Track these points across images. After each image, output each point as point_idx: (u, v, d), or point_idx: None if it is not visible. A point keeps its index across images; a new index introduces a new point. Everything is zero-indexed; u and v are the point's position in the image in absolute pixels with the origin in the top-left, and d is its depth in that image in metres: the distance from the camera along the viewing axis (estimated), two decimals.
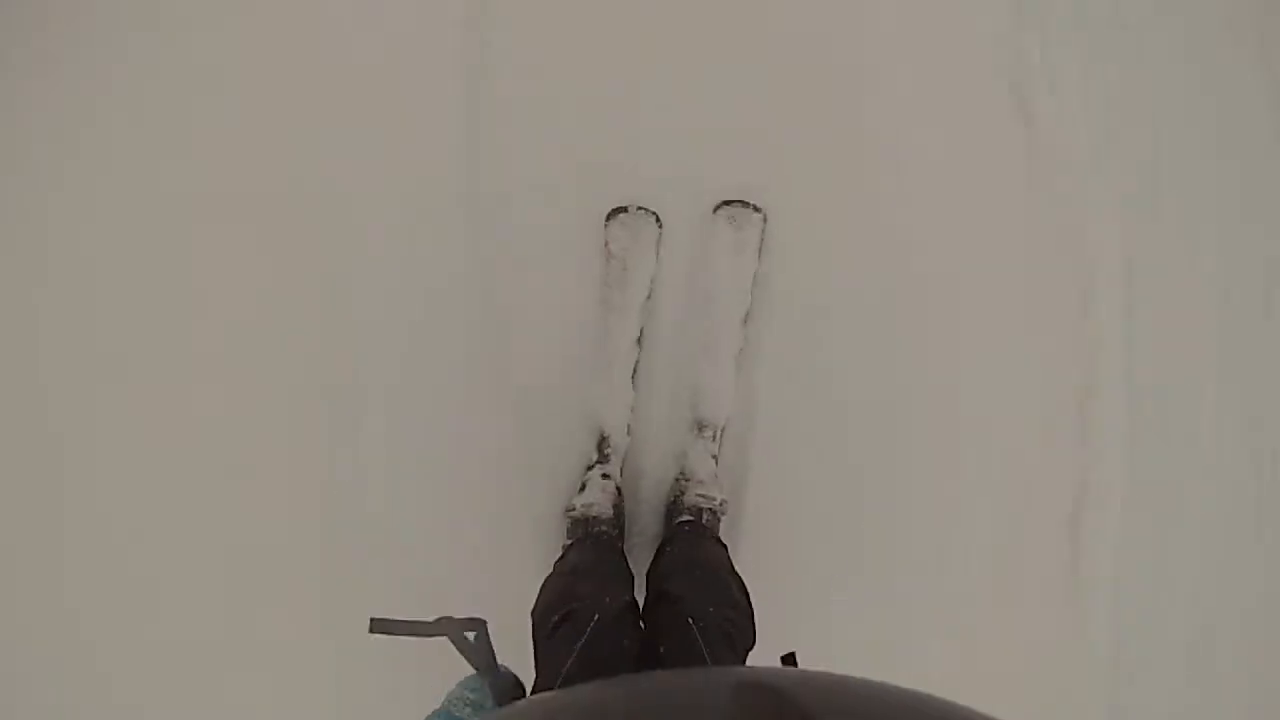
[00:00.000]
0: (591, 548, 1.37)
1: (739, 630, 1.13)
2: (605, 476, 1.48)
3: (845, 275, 1.62)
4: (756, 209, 1.54)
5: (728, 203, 1.55)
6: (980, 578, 1.65)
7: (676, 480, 1.51)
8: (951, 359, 1.63)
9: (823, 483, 1.60)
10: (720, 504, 1.46)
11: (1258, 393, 1.69)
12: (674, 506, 1.49)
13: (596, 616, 1.13)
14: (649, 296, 1.53)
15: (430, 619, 1.00)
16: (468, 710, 0.99)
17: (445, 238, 1.69)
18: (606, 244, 1.52)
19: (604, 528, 1.41)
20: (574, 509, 1.45)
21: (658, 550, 1.40)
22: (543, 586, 1.30)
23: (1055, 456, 1.67)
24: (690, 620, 1.12)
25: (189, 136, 1.80)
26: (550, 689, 1.08)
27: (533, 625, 1.23)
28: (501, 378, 1.63)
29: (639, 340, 1.53)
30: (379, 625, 1.02)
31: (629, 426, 1.53)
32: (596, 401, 1.53)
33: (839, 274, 1.62)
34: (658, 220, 1.52)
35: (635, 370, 1.53)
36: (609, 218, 1.52)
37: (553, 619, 1.18)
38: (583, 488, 1.47)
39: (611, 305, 1.52)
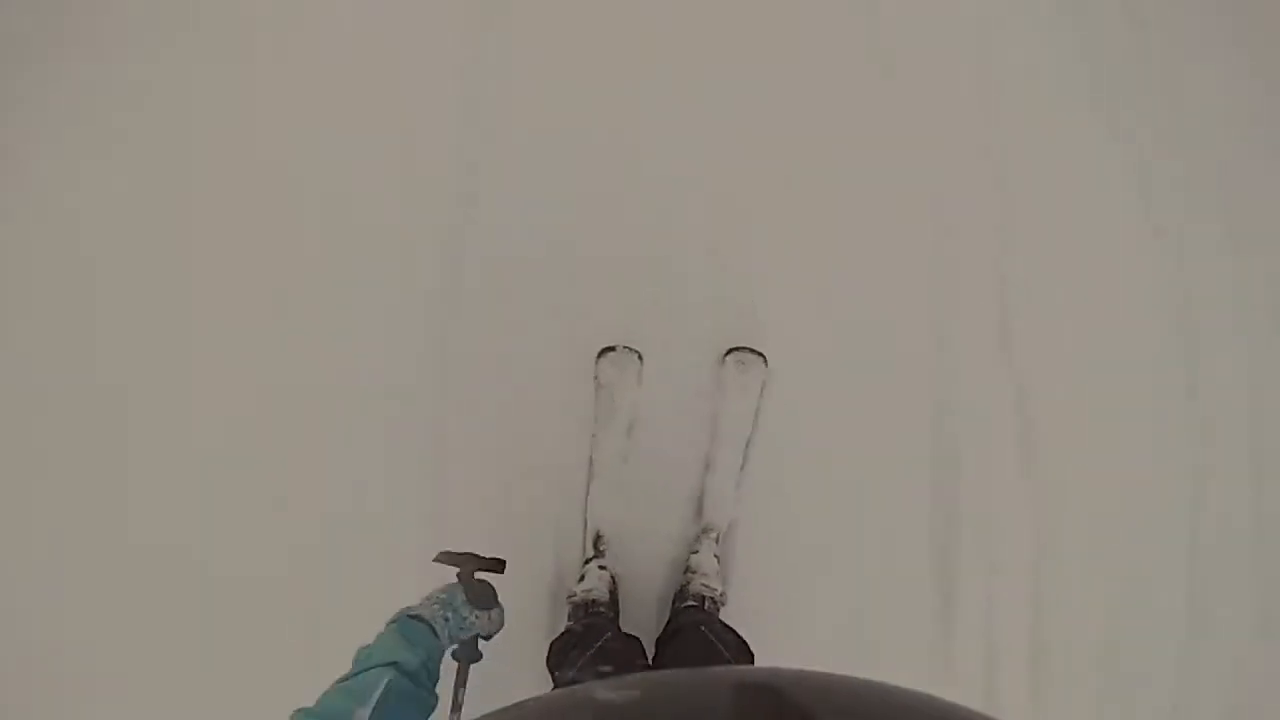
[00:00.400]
0: (593, 621, 1.53)
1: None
2: (602, 567, 1.66)
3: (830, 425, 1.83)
4: (763, 356, 1.82)
5: (737, 349, 1.82)
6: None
7: (684, 573, 1.68)
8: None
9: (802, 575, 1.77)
10: (721, 594, 1.63)
11: None
12: (680, 594, 1.65)
13: (607, 634, 1.33)
14: (631, 423, 1.79)
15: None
16: (435, 608, 1.09)
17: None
18: (596, 377, 1.80)
19: (603, 609, 1.57)
20: (575, 595, 1.61)
21: (663, 629, 1.56)
22: (557, 639, 1.46)
23: None
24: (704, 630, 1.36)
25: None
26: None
27: (549, 667, 1.39)
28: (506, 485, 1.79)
29: (625, 458, 1.78)
30: (445, 557, 1.22)
31: (619, 525, 1.74)
32: (593, 506, 1.74)
33: (829, 417, 1.83)
34: (640, 357, 1.81)
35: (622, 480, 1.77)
36: (600, 355, 1.81)
37: (566, 648, 1.37)
38: (582, 578, 1.64)
39: (601, 427, 1.78)
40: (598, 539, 1.72)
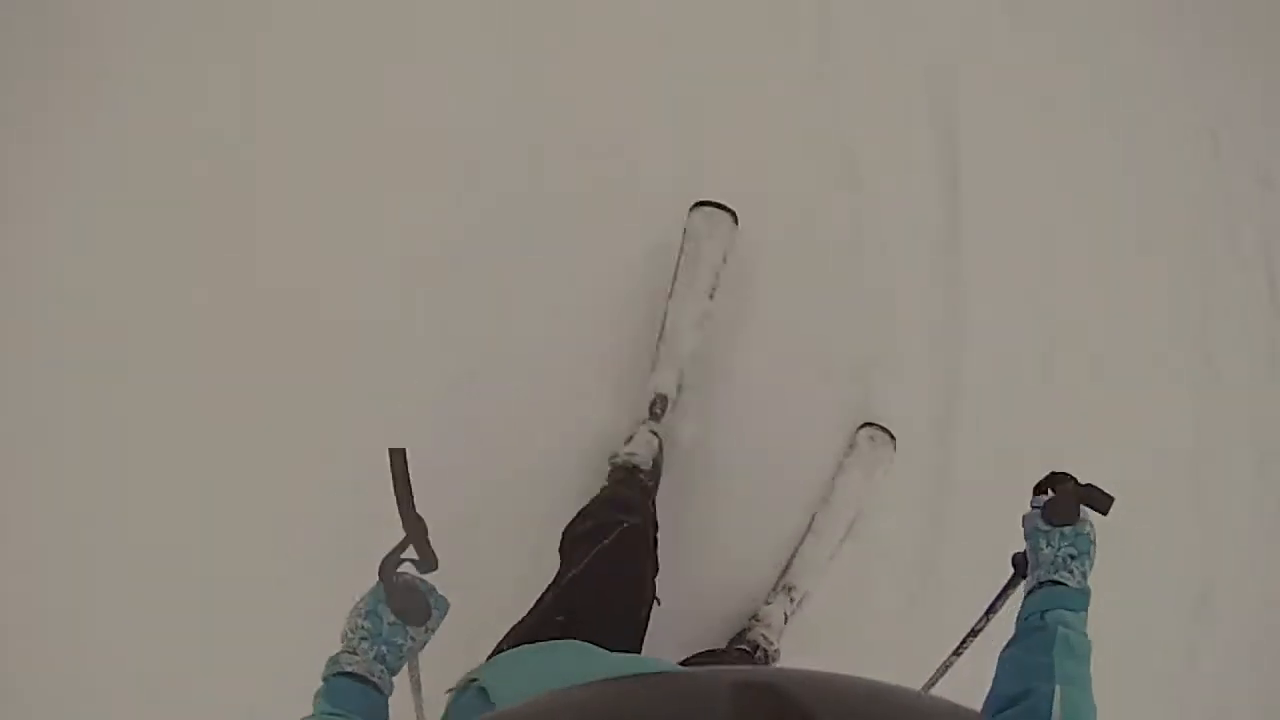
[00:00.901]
0: (628, 486, 1.49)
1: None
2: (652, 433, 1.59)
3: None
4: (892, 435, 1.76)
5: (869, 424, 1.76)
6: None
7: (749, 618, 1.67)
8: None
9: None
10: (775, 651, 1.61)
11: None
12: (737, 637, 1.64)
13: (623, 524, 1.25)
14: (714, 286, 1.69)
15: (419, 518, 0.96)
16: (364, 644, 0.95)
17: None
18: (685, 231, 1.68)
19: (642, 476, 1.52)
20: (618, 456, 1.56)
21: (702, 655, 1.52)
22: (581, 509, 1.40)
23: None
24: None
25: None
26: (564, 579, 1.18)
27: (563, 534, 1.33)
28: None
29: (701, 323, 1.68)
30: (399, 462, 0.95)
31: (679, 388, 1.67)
32: (657, 367, 1.67)
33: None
34: (735, 217, 1.68)
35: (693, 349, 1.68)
36: (692, 209, 1.69)
37: (583, 525, 1.31)
38: (630, 439, 1.58)
39: (683, 284, 1.68)
40: (655, 401, 1.63)
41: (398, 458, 0.93)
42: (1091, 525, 1.02)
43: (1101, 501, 1.03)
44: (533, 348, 1.75)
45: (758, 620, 1.64)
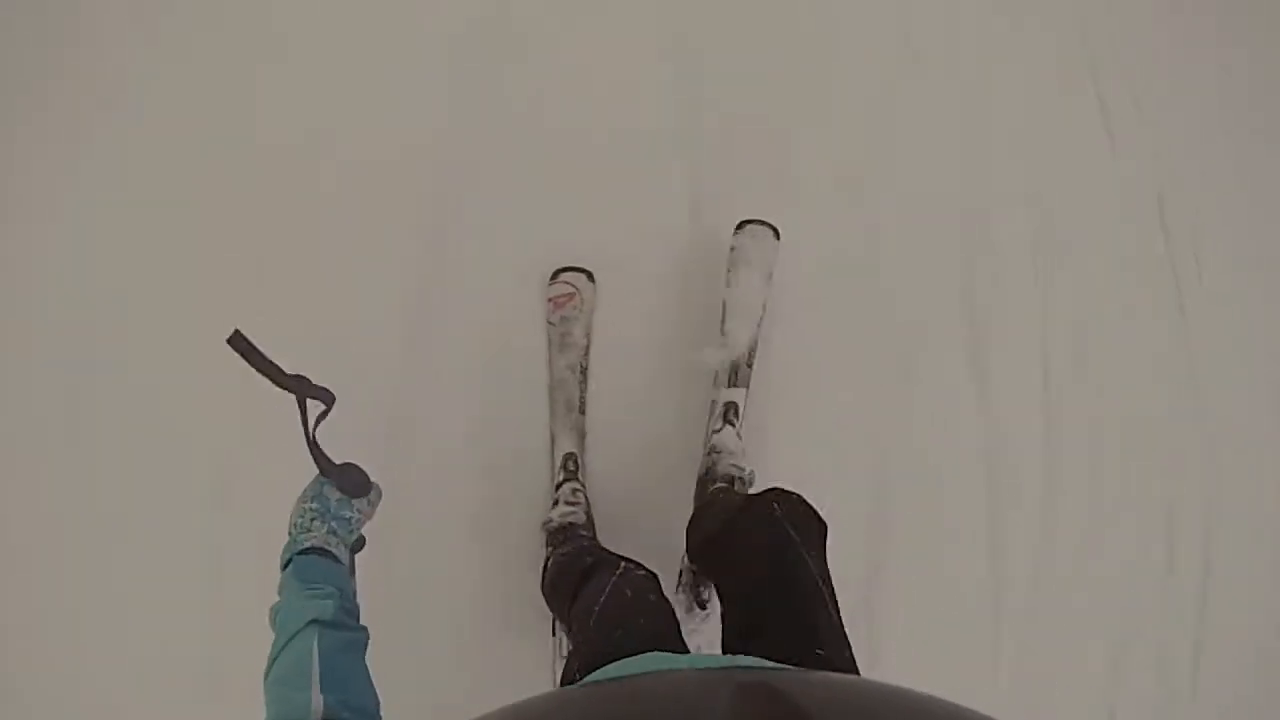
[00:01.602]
0: (578, 544, 1.48)
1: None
2: (575, 490, 1.62)
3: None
4: (775, 230, 1.79)
5: (748, 221, 1.78)
6: None
7: (707, 454, 1.62)
8: None
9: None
10: (749, 473, 1.56)
11: None
12: (706, 477, 1.59)
13: (623, 566, 1.19)
14: (589, 341, 1.78)
15: (289, 371, 1.04)
16: (316, 523, 1.02)
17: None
18: (549, 300, 1.78)
19: (582, 533, 1.55)
20: (551, 520, 1.57)
21: (694, 515, 1.49)
22: (546, 569, 1.39)
23: None
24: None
25: None
26: (584, 637, 1.11)
27: (546, 597, 1.35)
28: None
29: (584, 373, 1.76)
30: (239, 342, 1.04)
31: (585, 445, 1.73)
32: (557, 427, 1.73)
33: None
34: (589, 276, 1.79)
35: (584, 400, 1.75)
36: (553, 278, 1.79)
37: (571, 578, 1.24)
38: (555, 503, 1.60)
39: (556, 349, 1.76)
40: (567, 459, 1.68)
41: (238, 340, 1.03)
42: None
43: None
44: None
45: (718, 452, 1.60)
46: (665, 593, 1.18)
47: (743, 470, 1.56)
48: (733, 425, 1.65)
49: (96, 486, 1.72)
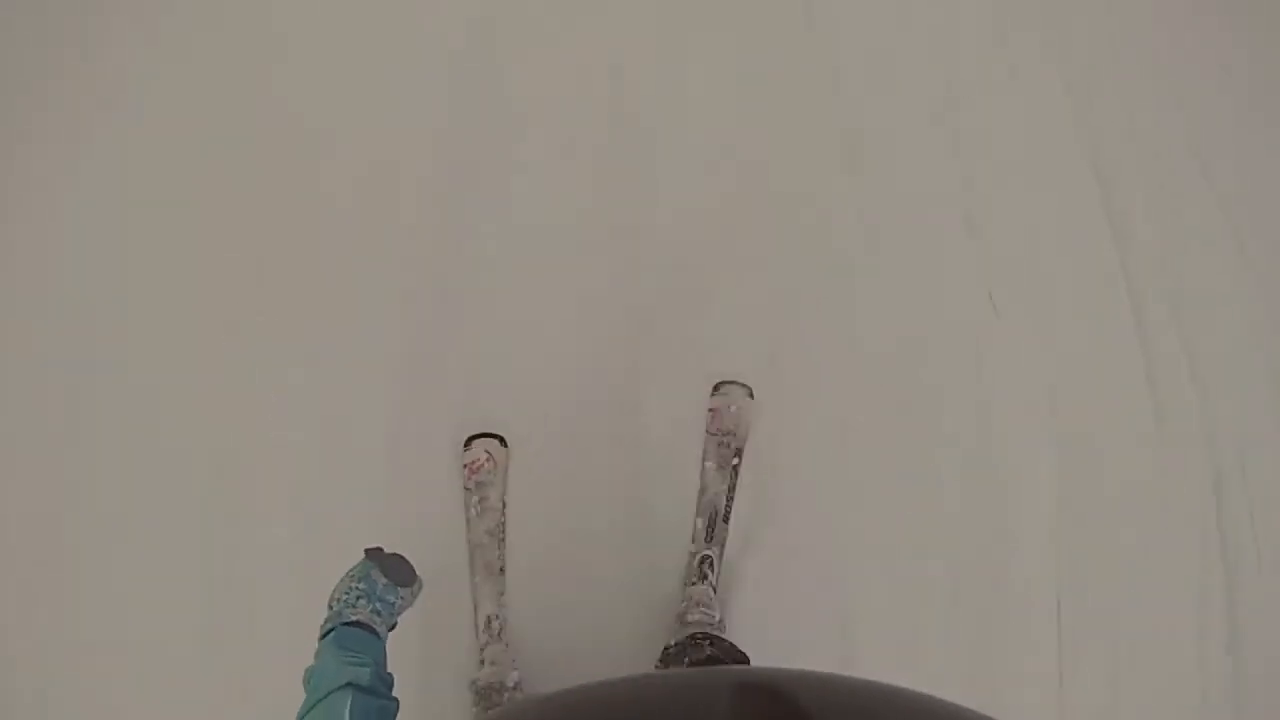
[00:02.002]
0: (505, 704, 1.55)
1: None
2: (499, 651, 1.66)
3: None
4: (750, 391, 1.92)
5: (724, 383, 1.92)
6: None
7: (683, 601, 1.71)
8: None
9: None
10: (719, 621, 1.66)
11: None
12: (677, 623, 1.66)
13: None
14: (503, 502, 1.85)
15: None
16: (361, 601, 1.04)
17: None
18: (465, 466, 1.86)
19: (513, 692, 1.60)
20: (477, 681, 1.62)
21: (663, 657, 1.52)
22: None
23: None
24: None
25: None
26: None
27: None
28: None
29: (502, 536, 1.83)
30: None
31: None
32: (478, 593, 1.77)
33: None
34: (502, 441, 1.88)
35: (503, 560, 1.81)
36: (466, 444, 1.87)
37: None
38: (482, 663, 1.67)
39: (474, 514, 1.83)
40: (489, 621, 1.73)
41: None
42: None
43: None
44: None
45: (690, 601, 1.68)
46: None
47: (713, 618, 1.66)
48: (708, 578, 1.76)
49: (96, 486, 1.73)
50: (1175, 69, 2.28)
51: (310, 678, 0.93)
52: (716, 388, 1.95)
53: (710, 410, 1.94)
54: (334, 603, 1.06)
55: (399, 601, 1.11)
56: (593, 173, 2.06)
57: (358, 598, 1.05)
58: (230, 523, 1.75)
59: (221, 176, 1.94)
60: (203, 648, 1.66)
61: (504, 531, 1.85)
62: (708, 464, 1.90)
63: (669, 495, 1.89)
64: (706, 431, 1.92)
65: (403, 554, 1.17)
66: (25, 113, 1.97)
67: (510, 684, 1.62)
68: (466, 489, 1.86)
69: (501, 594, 1.80)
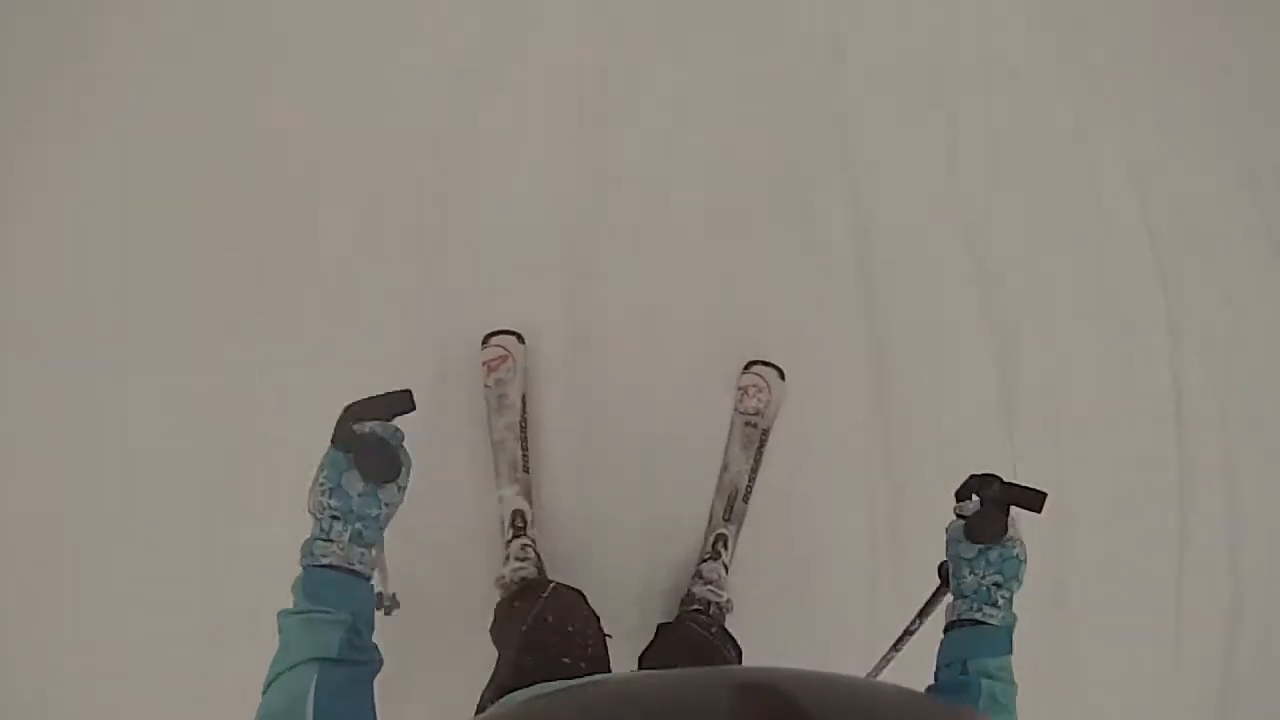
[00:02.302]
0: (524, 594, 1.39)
1: None
2: (525, 546, 1.56)
3: None
4: (781, 371, 1.84)
5: (753, 363, 1.84)
6: None
7: (693, 577, 1.66)
8: None
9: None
10: (727, 601, 1.60)
11: None
12: (687, 596, 1.63)
13: (551, 585, 1.25)
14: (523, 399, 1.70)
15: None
16: (336, 527, 0.87)
17: None
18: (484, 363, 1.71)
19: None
20: (503, 577, 1.50)
21: (658, 630, 1.46)
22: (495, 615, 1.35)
23: None
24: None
25: None
26: (519, 634, 1.15)
27: (494, 640, 1.27)
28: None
29: (524, 433, 1.68)
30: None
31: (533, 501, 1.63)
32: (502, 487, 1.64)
33: None
34: (519, 338, 1.75)
35: (527, 459, 1.66)
36: (484, 342, 1.73)
37: (511, 602, 1.28)
38: (507, 559, 1.51)
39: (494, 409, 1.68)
40: (515, 516, 1.58)
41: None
42: (1019, 543, 0.96)
43: (1032, 500, 0.95)
44: None
45: (700, 578, 1.64)
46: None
47: (720, 597, 1.61)
48: (720, 556, 1.70)
49: (96, 486, 1.71)
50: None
51: (280, 624, 0.83)
52: (747, 367, 1.89)
53: (739, 389, 1.87)
54: (312, 515, 0.89)
55: (383, 510, 0.90)
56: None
57: (332, 519, 0.87)
58: (230, 523, 1.71)
59: (221, 176, 1.92)
60: (203, 648, 1.64)
61: (525, 429, 1.68)
62: (732, 442, 1.82)
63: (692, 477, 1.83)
64: (734, 410, 1.85)
65: (383, 426, 0.92)
66: (25, 113, 1.97)
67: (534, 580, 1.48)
68: (486, 386, 1.71)
69: (528, 492, 1.63)
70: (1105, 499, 1.97)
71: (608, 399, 1.81)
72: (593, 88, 2.07)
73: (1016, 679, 0.92)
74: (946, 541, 1.00)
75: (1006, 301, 2.07)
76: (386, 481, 0.88)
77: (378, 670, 0.85)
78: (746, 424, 1.84)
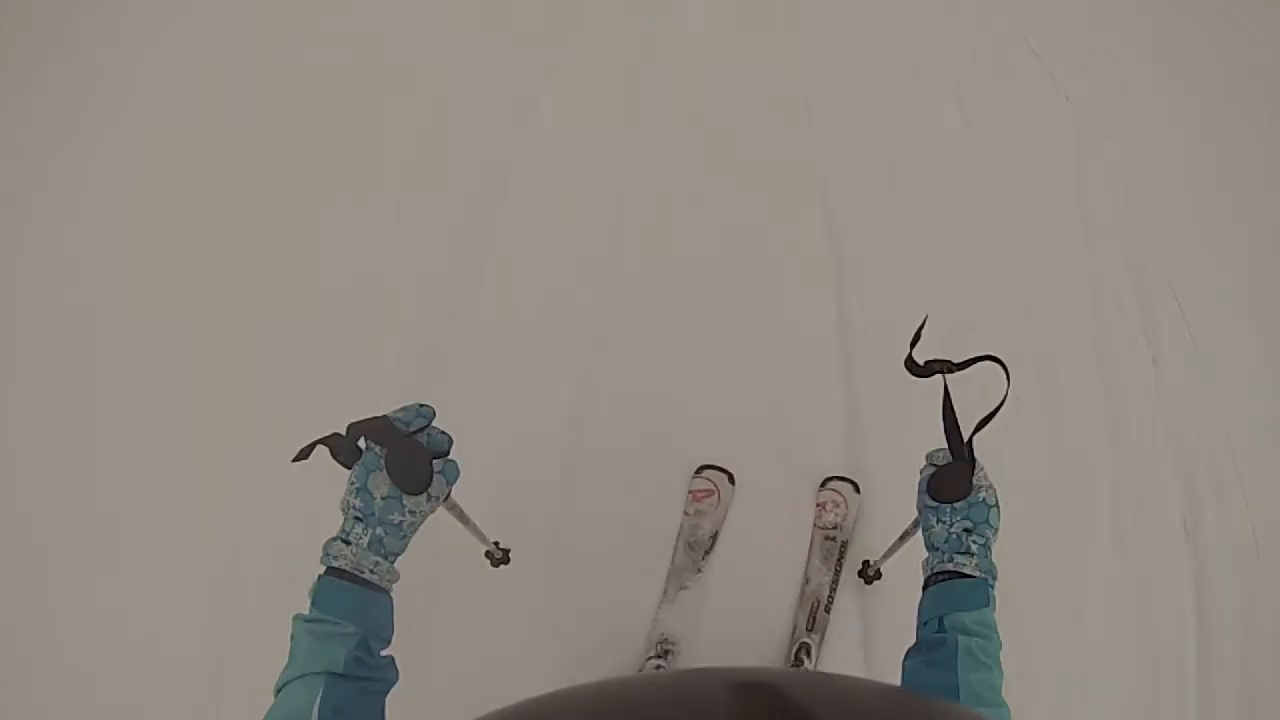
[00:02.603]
0: None
1: None
2: (658, 669, 1.71)
3: None
4: (856, 485, 2.00)
5: (832, 478, 2.00)
6: None
7: None
8: None
9: None
10: None
11: None
12: None
13: None
14: (714, 540, 1.90)
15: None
16: (357, 529, 0.87)
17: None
18: (690, 492, 1.90)
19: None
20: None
21: None
22: None
23: None
24: None
25: None
26: None
27: None
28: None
29: (700, 570, 1.89)
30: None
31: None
32: (662, 613, 1.85)
33: None
34: (731, 478, 1.94)
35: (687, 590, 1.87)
36: (696, 472, 1.92)
37: None
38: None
39: (686, 542, 1.89)
40: (663, 641, 1.79)
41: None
42: (988, 487, 0.94)
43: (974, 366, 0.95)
44: None
45: None
46: None
47: None
48: (804, 664, 1.81)
49: (96, 487, 1.73)
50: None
51: (293, 630, 0.83)
52: (824, 483, 2.08)
53: (818, 505, 2.09)
54: (342, 511, 0.89)
55: (407, 519, 0.87)
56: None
57: (355, 520, 0.86)
58: (229, 524, 1.77)
59: (220, 184, 2.01)
60: (204, 648, 1.68)
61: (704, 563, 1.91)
62: (812, 556, 2.01)
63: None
64: (814, 525, 2.08)
65: (420, 409, 0.89)
66: (26, 111, 1.99)
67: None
68: (685, 514, 1.91)
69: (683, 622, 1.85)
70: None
71: None
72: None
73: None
74: (917, 490, 1.01)
75: None
76: (413, 492, 0.85)
77: (390, 686, 0.84)
78: (825, 538, 2.07)
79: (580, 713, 0.54)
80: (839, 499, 2.10)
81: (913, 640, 1.00)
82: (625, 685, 0.62)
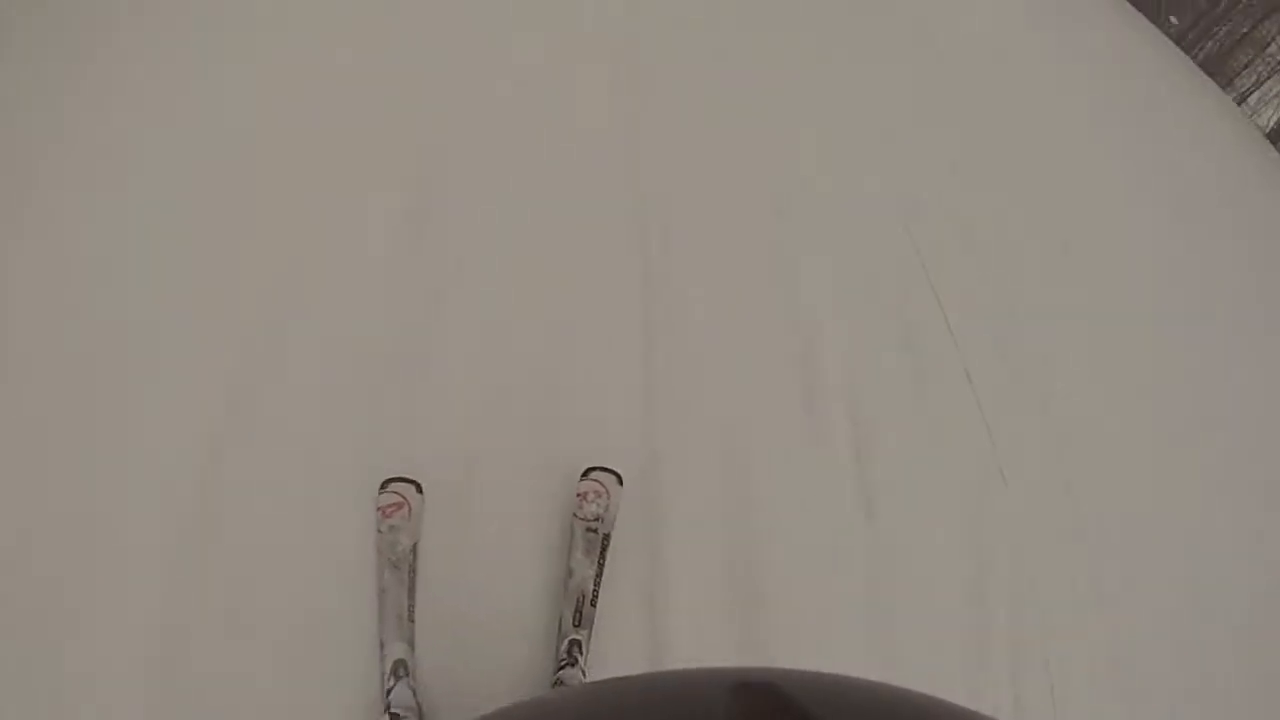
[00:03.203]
0: None
1: None
2: (409, 694, 1.65)
3: None
4: (619, 477, 2.04)
5: (593, 469, 2.02)
6: None
7: (554, 685, 1.73)
8: None
9: None
10: None
11: None
12: None
13: None
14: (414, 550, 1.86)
15: None
16: None
17: None
18: (378, 509, 1.85)
19: None
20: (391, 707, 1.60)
21: None
22: None
23: None
24: None
25: None
26: None
27: None
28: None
29: (410, 584, 1.84)
30: None
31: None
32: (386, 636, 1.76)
33: None
34: (418, 488, 1.91)
35: (413, 609, 1.82)
36: (382, 487, 1.88)
37: None
38: (387, 708, 1.63)
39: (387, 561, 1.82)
40: (397, 666, 1.72)
41: None
42: None
43: None
44: None
45: (562, 685, 1.69)
46: None
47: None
48: (577, 662, 1.80)
49: (95, 485, 1.72)
50: None
51: None
52: (585, 473, 2.09)
53: (578, 495, 2.07)
54: None
55: None
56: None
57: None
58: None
59: (222, 176, 2.09)
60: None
61: (414, 577, 1.86)
62: (575, 550, 2.01)
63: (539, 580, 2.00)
64: (574, 516, 2.05)
65: None
66: (26, 113, 2.04)
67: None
68: (379, 532, 1.85)
69: (411, 642, 1.79)
70: None
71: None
72: None
73: None
74: None
75: None
76: None
77: None
78: (587, 529, 2.05)
79: (579, 713, 0.55)
80: (600, 489, 2.07)
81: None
82: (623, 685, 0.61)
